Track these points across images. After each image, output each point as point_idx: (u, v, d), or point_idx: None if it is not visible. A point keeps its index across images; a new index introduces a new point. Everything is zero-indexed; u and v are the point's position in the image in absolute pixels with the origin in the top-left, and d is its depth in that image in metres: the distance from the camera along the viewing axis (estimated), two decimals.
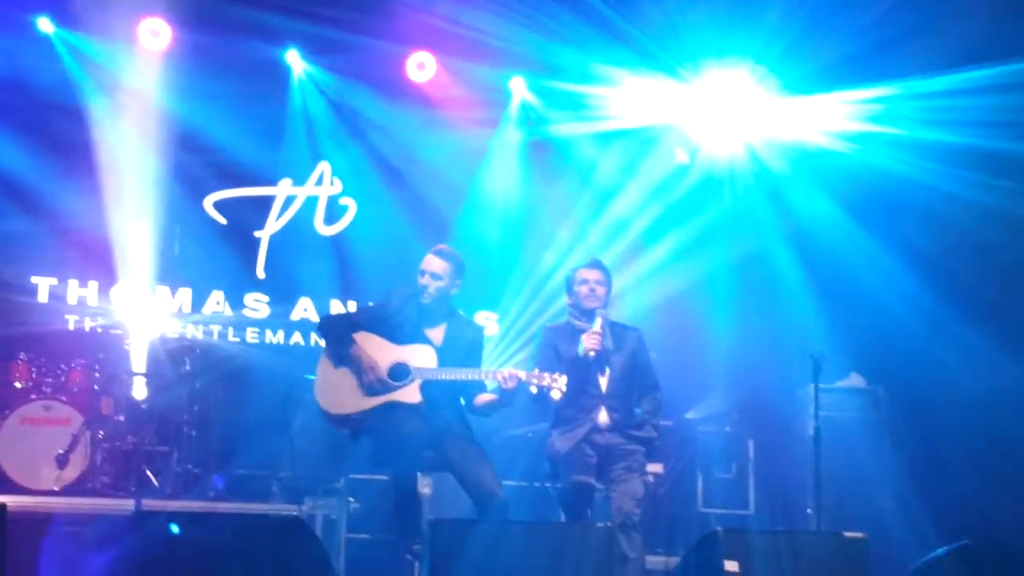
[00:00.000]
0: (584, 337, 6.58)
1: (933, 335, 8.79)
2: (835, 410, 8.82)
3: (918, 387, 8.94)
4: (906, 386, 9.06)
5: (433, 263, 6.49)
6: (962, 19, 8.51)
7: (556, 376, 6.26)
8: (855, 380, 9.26)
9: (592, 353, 6.52)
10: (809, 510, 8.21)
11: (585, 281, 6.78)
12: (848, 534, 5.84)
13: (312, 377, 6.52)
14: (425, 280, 6.47)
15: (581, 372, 6.56)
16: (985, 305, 8.66)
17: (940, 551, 5.70)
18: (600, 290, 6.75)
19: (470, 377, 6.35)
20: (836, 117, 9.62)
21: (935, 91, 8.89)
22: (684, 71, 9.90)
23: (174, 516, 5.32)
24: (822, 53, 9.15)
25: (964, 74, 8.67)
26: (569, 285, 6.89)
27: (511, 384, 6.21)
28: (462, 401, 6.50)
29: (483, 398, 6.44)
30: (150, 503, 7.47)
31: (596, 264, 6.91)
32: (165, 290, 10.18)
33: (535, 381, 6.24)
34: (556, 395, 6.27)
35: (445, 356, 6.37)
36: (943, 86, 8.82)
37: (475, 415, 6.53)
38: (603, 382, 6.65)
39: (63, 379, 8.81)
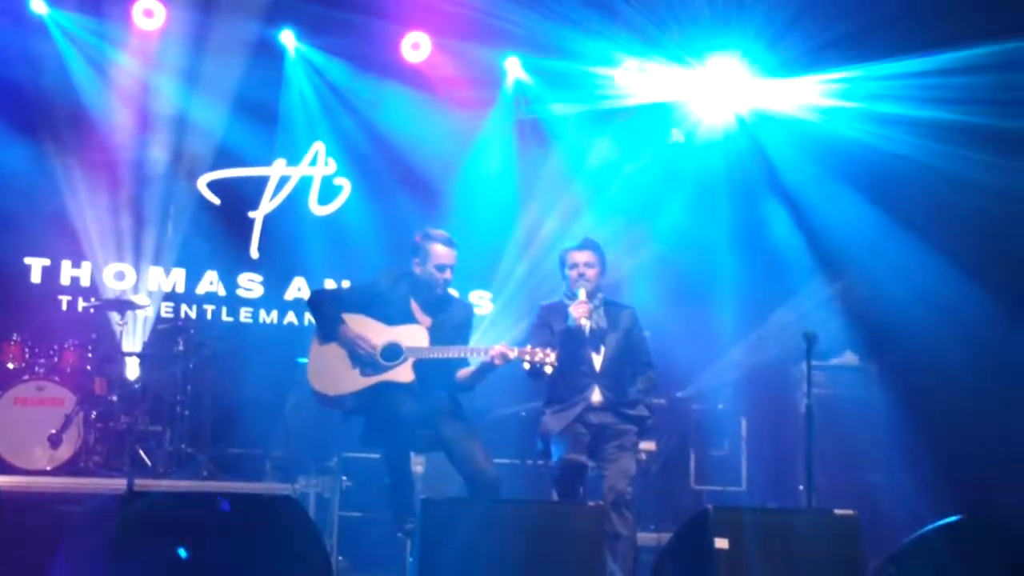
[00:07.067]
0: (571, 309, 6.50)
1: (927, 313, 8.79)
2: (828, 387, 8.88)
3: (912, 365, 8.95)
4: (900, 364, 9.08)
5: (453, 257, 6.50)
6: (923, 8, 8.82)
7: (548, 351, 6.22)
8: (849, 358, 9.29)
9: (583, 321, 6.42)
10: (801, 487, 8.23)
11: (575, 265, 6.70)
12: (839, 511, 5.81)
13: (304, 361, 6.53)
14: (447, 275, 6.49)
15: (574, 347, 6.50)
16: (980, 282, 8.66)
17: (931, 527, 5.70)
18: (590, 272, 6.66)
19: (462, 355, 6.34)
20: (814, 95, 9.85)
21: (897, 73, 9.17)
22: (685, 55, 9.94)
23: (167, 496, 5.31)
24: (802, 41, 9.39)
25: (921, 59, 8.98)
26: (561, 266, 6.81)
27: (500, 362, 6.19)
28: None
29: (464, 372, 6.45)
30: (142, 483, 7.48)
31: (586, 244, 6.79)
32: (159, 270, 10.14)
33: (527, 357, 6.21)
34: (548, 370, 6.23)
35: (436, 335, 6.36)
36: (904, 69, 9.11)
37: (458, 390, 6.53)
38: (597, 361, 6.60)
39: (56, 359, 8.78)
